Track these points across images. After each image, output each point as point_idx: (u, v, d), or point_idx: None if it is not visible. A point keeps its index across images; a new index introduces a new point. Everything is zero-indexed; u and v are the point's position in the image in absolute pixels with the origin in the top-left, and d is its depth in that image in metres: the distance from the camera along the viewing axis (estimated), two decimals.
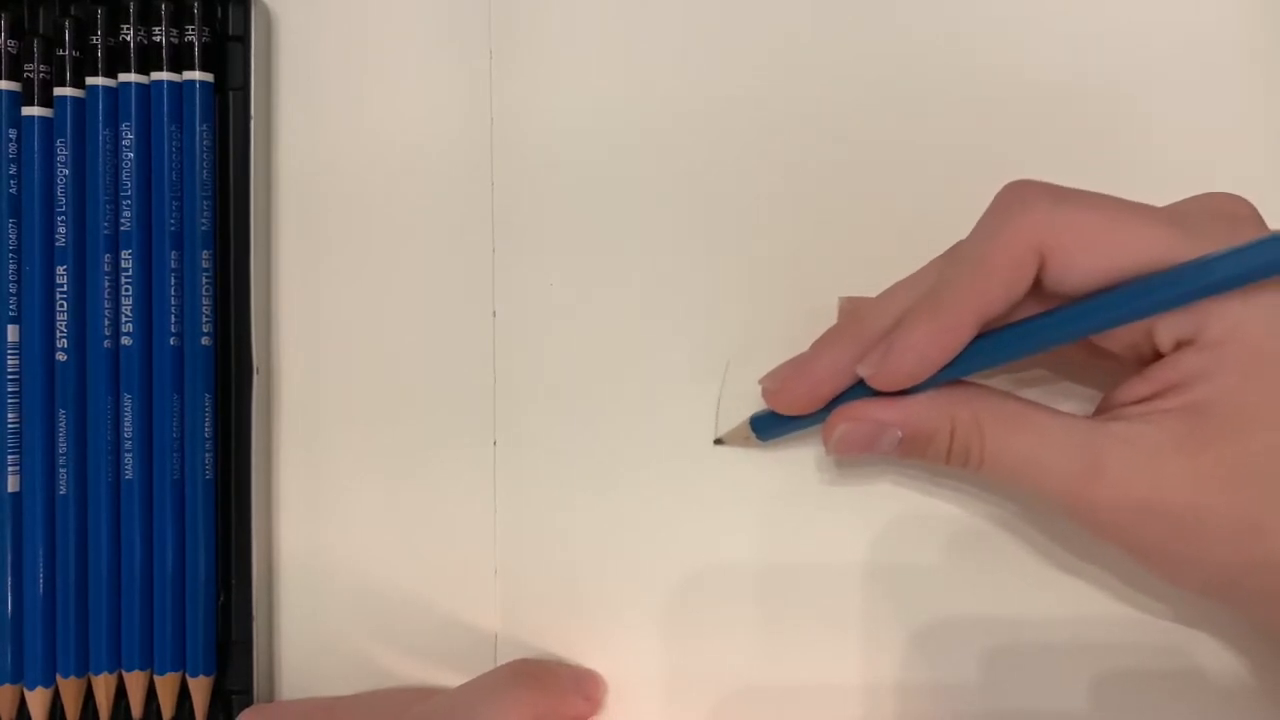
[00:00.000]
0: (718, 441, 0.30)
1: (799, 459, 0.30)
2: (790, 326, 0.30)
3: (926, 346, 0.25)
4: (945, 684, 0.30)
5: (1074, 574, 0.30)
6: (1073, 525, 0.26)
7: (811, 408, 0.27)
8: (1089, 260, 0.23)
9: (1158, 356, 0.25)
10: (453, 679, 0.30)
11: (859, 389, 0.26)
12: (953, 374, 0.25)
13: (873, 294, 0.27)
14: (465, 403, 0.31)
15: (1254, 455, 0.23)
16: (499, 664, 0.31)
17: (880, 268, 0.27)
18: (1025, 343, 0.25)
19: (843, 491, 0.30)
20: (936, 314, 0.24)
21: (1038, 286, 0.24)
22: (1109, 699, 0.29)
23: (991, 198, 0.25)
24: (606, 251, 0.31)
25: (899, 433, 0.26)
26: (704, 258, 0.31)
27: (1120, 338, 0.25)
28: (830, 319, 0.29)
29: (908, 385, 0.25)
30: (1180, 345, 0.24)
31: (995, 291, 0.24)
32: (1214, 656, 0.29)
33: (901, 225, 0.30)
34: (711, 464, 0.31)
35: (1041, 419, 0.25)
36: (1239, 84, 0.30)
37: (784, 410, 0.28)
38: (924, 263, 0.27)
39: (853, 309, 0.29)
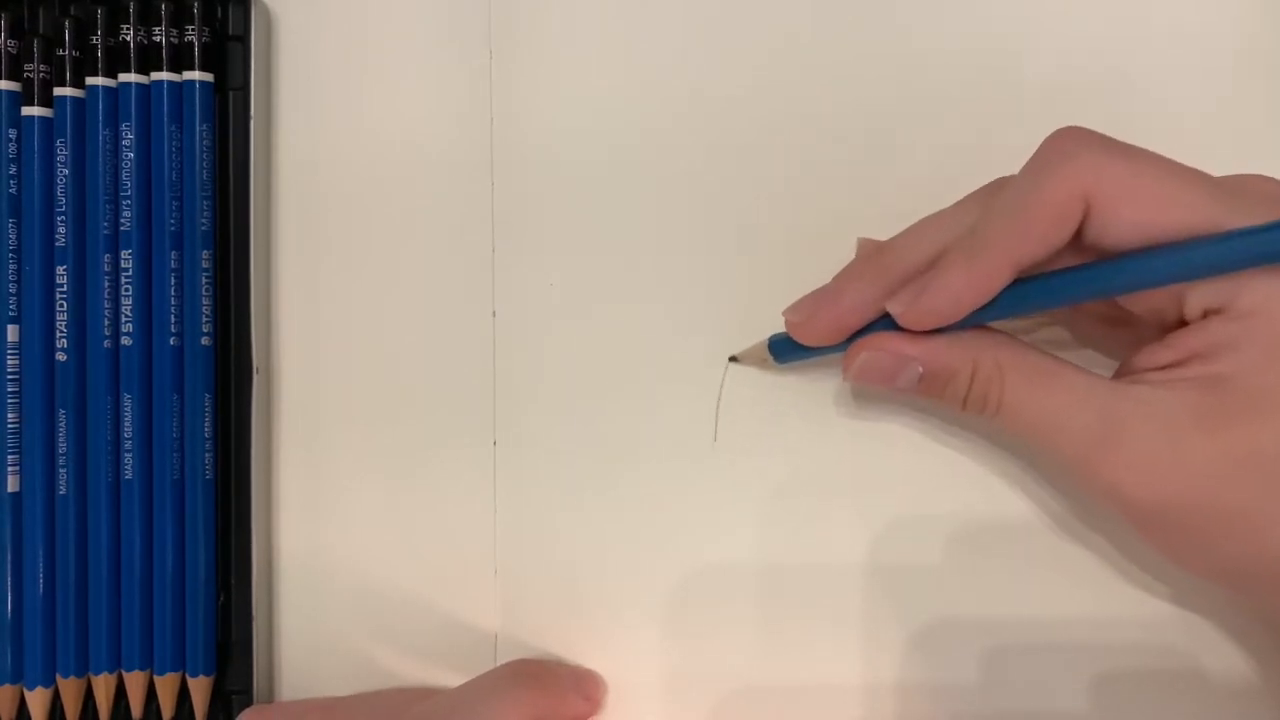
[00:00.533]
0: (733, 359, 0.30)
1: (799, 458, 0.30)
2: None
3: (961, 289, 0.24)
4: (945, 684, 0.30)
5: (1074, 574, 0.30)
6: (1082, 489, 0.25)
7: (834, 340, 0.27)
8: (1133, 213, 0.23)
9: (1180, 324, 0.24)
10: (453, 679, 0.30)
11: (881, 324, 0.26)
12: (982, 319, 0.25)
13: None
14: (465, 403, 0.31)
15: (1272, 437, 0.23)
16: (499, 664, 0.31)
17: None
18: (1058, 294, 0.25)
19: (843, 491, 0.30)
20: (974, 258, 0.24)
21: (1077, 237, 0.24)
22: (1109, 699, 0.29)
23: None
24: (606, 251, 0.31)
25: (920, 368, 0.25)
26: (704, 257, 0.31)
27: (1147, 300, 0.24)
28: None
29: (938, 326, 0.25)
30: (1208, 314, 0.23)
31: (1037, 239, 0.24)
32: (1215, 656, 0.29)
33: (902, 224, 0.30)
34: (711, 464, 0.31)
35: (1064, 374, 0.25)
36: (1239, 84, 0.30)
37: (807, 341, 0.27)
38: None
39: (874, 248, 0.28)
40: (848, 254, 0.30)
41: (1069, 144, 0.24)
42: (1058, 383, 0.25)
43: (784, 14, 0.31)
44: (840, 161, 0.31)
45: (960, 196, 0.26)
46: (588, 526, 0.31)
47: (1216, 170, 0.25)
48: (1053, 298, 0.25)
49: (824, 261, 0.30)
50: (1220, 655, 0.29)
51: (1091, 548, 0.29)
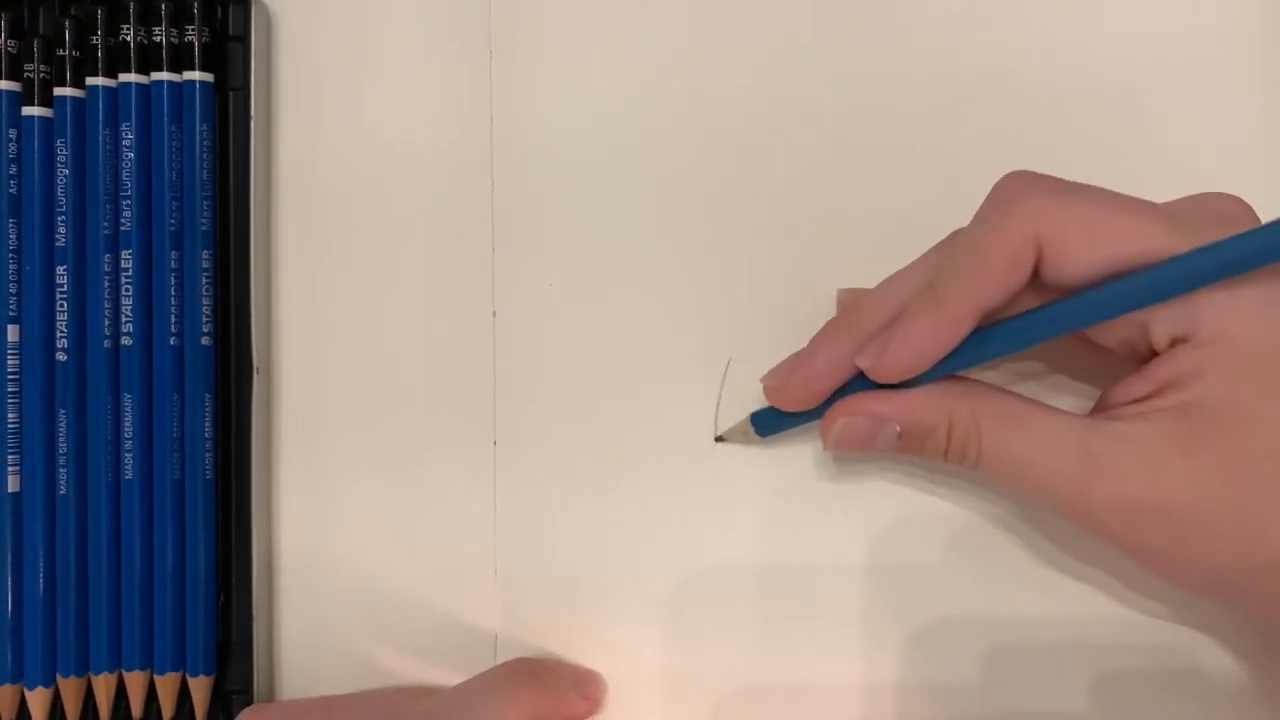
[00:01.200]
0: (719, 439, 0.30)
1: (799, 458, 0.30)
2: (791, 325, 0.30)
3: (925, 338, 0.25)
4: (945, 684, 0.30)
5: (1074, 574, 0.30)
6: (1071, 525, 0.26)
7: (812, 404, 0.27)
8: (1086, 251, 0.23)
9: (1153, 354, 0.25)
10: (453, 679, 0.30)
11: (858, 383, 0.26)
12: (951, 367, 0.25)
13: None
14: (465, 403, 0.31)
15: (1249, 455, 0.23)
16: (499, 662, 0.31)
17: (881, 266, 0.27)
18: (1022, 336, 0.25)
19: (843, 491, 0.30)
20: (935, 306, 0.24)
21: (1035, 279, 0.24)
22: (1109, 699, 0.29)
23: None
24: (606, 251, 0.31)
25: (897, 427, 0.26)
26: (704, 257, 0.31)
27: (1116, 333, 0.25)
28: (831, 316, 0.29)
29: (907, 377, 0.25)
30: (1176, 343, 0.24)
31: (994, 283, 0.24)
32: (1214, 656, 0.29)
33: (902, 224, 0.30)
34: (711, 463, 0.31)
35: (1040, 417, 0.25)
36: (1238, 85, 0.30)
37: (786, 407, 0.28)
38: None
39: (851, 301, 0.29)
40: (848, 253, 0.30)
41: (1016, 188, 0.24)
42: (1034, 425, 0.25)
43: (784, 14, 0.31)
44: (840, 162, 0.31)
45: (959, 197, 0.26)
46: (588, 526, 0.31)
47: (1210, 174, 0.25)
48: (1016, 341, 0.25)
49: (824, 260, 0.31)
50: (1219, 655, 0.29)
51: (1091, 548, 0.29)
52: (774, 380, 0.28)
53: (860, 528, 0.30)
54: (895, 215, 0.30)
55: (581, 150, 0.32)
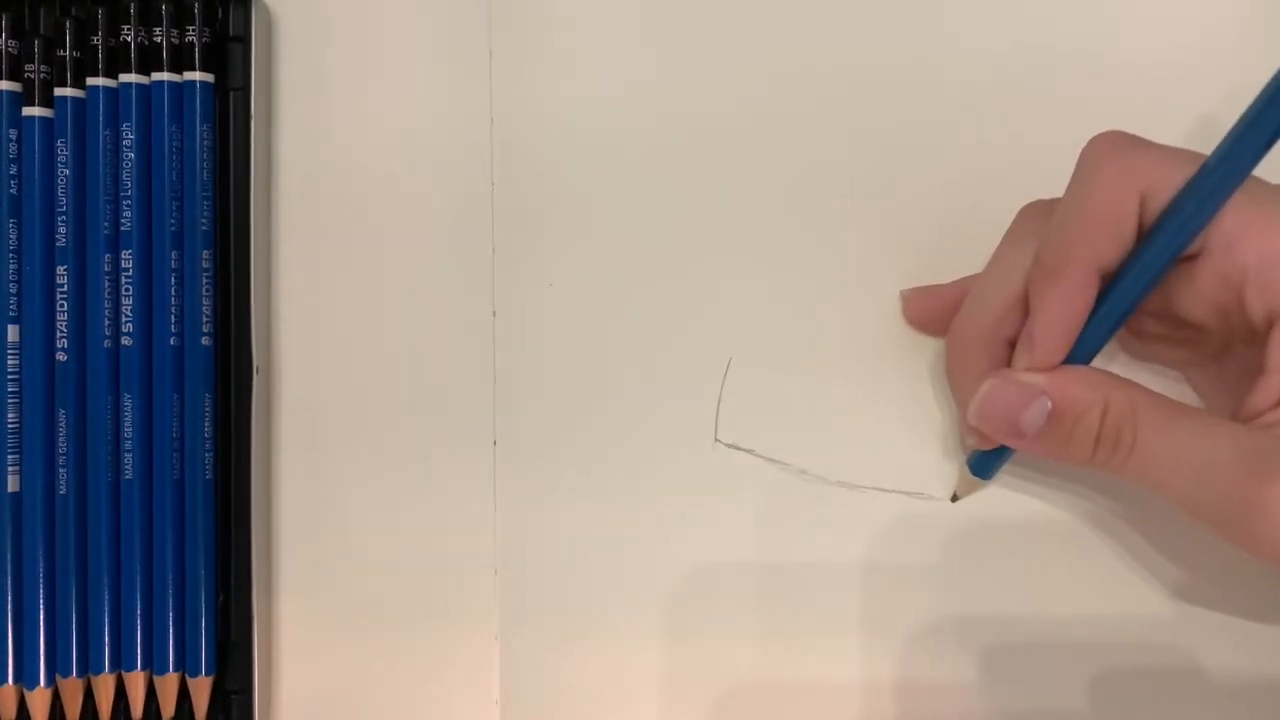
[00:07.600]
0: (954, 499, 0.30)
1: (799, 457, 0.30)
2: (791, 326, 0.30)
3: (1061, 312, 0.24)
4: (946, 683, 0.30)
5: (1074, 573, 0.30)
6: (1215, 532, 0.24)
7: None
8: None
9: (1248, 332, 0.24)
10: (453, 679, 0.30)
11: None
12: (1095, 338, 0.25)
13: (882, 287, 0.28)
14: (465, 403, 0.31)
15: None
16: (499, 663, 0.30)
17: (878, 265, 0.27)
18: (1147, 269, 0.24)
19: (843, 491, 0.30)
20: (1057, 277, 0.24)
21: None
22: (1109, 699, 0.29)
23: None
24: (607, 251, 0.31)
25: (1048, 403, 0.24)
26: (704, 256, 0.31)
27: (1210, 297, 0.24)
28: (831, 318, 0.29)
29: (1062, 357, 0.25)
30: (1273, 319, 0.23)
31: (1106, 241, 0.24)
32: (1214, 656, 0.29)
33: (899, 224, 0.30)
34: (711, 464, 0.31)
35: (1199, 413, 0.24)
36: (1242, 84, 0.30)
37: (988, 446, 0.27)
38: (924, 265, 0.27)
39: (925, 310, 0.29)
40: (848, 253, 0.30)
41: (1109, 146, 0.24)
42: (1195, 419, 0.24)
43: (787, 14, 0.31)
44: (840, 162, 0.31)
45: (957, 199, 0.26)
46: (588, 526, 0.31)
47: None
48: (1143, 275, 0.24)
49: (824, 259, 0.31)
50: (1220, 655, 0.29)
51: (1091, 547, 0.29)
52: (969, 436, 0.28)
53: (860, 528, 0.30)
54: (894, 215, 0.30)
55: (582, 150, 0.32)
